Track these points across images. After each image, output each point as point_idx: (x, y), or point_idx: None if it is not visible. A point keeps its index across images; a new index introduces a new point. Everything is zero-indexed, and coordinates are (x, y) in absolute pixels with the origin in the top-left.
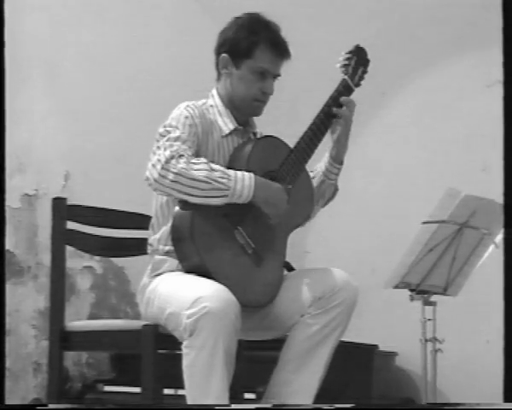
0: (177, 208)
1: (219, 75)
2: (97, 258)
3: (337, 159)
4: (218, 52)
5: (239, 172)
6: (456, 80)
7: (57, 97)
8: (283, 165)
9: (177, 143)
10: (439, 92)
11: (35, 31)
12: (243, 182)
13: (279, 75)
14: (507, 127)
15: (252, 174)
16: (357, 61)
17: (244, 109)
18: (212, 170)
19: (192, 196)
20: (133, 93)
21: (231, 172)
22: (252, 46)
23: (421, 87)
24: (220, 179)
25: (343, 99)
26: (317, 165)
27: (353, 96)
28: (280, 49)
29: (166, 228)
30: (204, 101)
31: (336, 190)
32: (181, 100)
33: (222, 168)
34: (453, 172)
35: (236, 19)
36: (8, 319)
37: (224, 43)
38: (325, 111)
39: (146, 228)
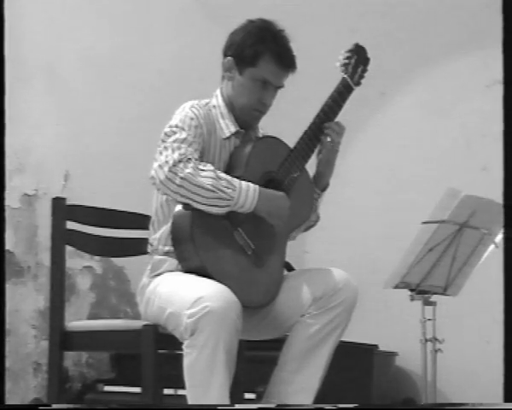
0: (177, 208)
1: (224, 76)
2: (97, 258)
3: (320, 184)
4: (225, 54)
5: (244, 184)
6: (456, 80)
7: (57, 98)
8: (283, 165)
9: (185, 145)
10: (438, 92)
11: (35, 31)
12: (247, 193)
13: (282, 87)
14: (507, 127)
15: (257, 186)
16: (357, 59)
17: (242, 116)
18: (219, 178)
19: (195, 202)
20: (133, 93)
21: (236, 182)
22: (256, 55)
23: (421, 87)
24: (225, 189)
25: (327, 124)
26: None
27: (353, 96)
28: (285, 62)
29: (166, 227)
30: (207, 100)
31: (318, 218)
32: (181, 100)
33: (228, 177)
34: (453, 172)
35: (248, 23)
36: (8, 319)
37: (230, 45)
38: (325, 111)
39: (146, 228)
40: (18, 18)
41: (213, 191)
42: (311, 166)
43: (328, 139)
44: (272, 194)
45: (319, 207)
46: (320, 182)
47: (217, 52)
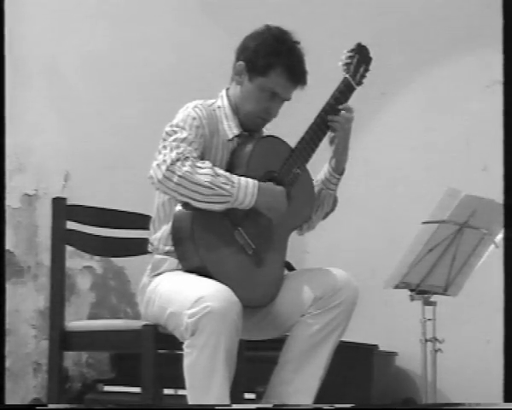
0: (178, 207)
1: (233, 78)
2: (97, 258)
3: (337, 169)
4: (237, 57)
5: (243, 179)
6: (456, 80)
7: (57, 98)
8: (284, 165)
9: (184, 144)
10: (439, 92)
11: (35, 31)
12: (246, 190)
13: (289, 100)
14: (507, 127)
15: (256, 182)
16: (359, 59)
17: (246, 122)
18: (217, 175)
19: (194, 200)
20: (133, 93)
21: (235, 178)
22: (269, 66)
23: (421, 87)
24: (224, 185)
25: (343, 106)
26: (318, 175)
27: (353, 96)
28: (295, 77)
29: (167, 226)
30: (213, 101)
31: (336, 201)
32: (182, 101)
33: (226, 174)
34: (453, 172)
35: (265, 29)
36: (8, 319)
37: (244, 50)
38: (326, 110)
39: (146, 228)
40: (18, 18)
41: (212, 188)
42: (316, 163)
43: (337, 123)
44: (271, 189)
45: (337, 190)
46: (337, 168)
47: (217, 51)
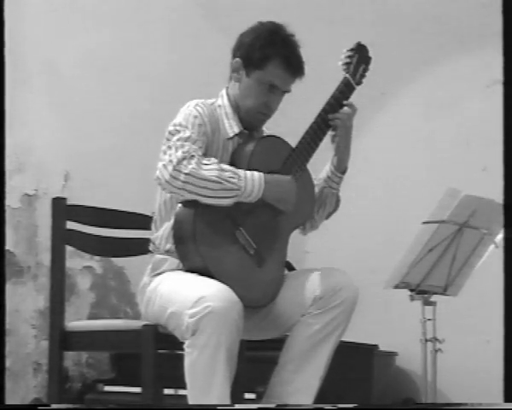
0: (179, 206)
1: (231, 77)
2: (97, 258)
3: (339, 168)
4: (234, 54)
5: (248, 172)
6: (456, 80)
7: (57, 98)
8: (285, 164)
9: (188, 143)
10: (438, 92)
11: (35, 31)
12: (253, 182)
13: (289, 91)
14: (507, 127)
15: (261, 174)
16: (359, 58)
17: (247, 118)
18: (223, 170)
19: (203, 196)
20: (133, 93)
21: (241, 171)
22: (265, 58)
23: (421, 87)
24: (231, 179)
25: (346, 102)
26: (320, 174)
27: (353, 96)
28: (292, 67)
29: (169, 224)
30: (213, 100)
31: (339, 201)
32: (182, 101)
33: (232, 168)
34: (453, 172)
35: (258, 25)
36: (8, 319)
37: (240, 46)
38: (327, 110)
39: (146, 228)
40: (18, 18)
41: (220, 183)
42: (317, 163)
43: (339, 120)
44: (277, 179)
45: (339, 190)
46: (339, 166)
47: (217, 52)
